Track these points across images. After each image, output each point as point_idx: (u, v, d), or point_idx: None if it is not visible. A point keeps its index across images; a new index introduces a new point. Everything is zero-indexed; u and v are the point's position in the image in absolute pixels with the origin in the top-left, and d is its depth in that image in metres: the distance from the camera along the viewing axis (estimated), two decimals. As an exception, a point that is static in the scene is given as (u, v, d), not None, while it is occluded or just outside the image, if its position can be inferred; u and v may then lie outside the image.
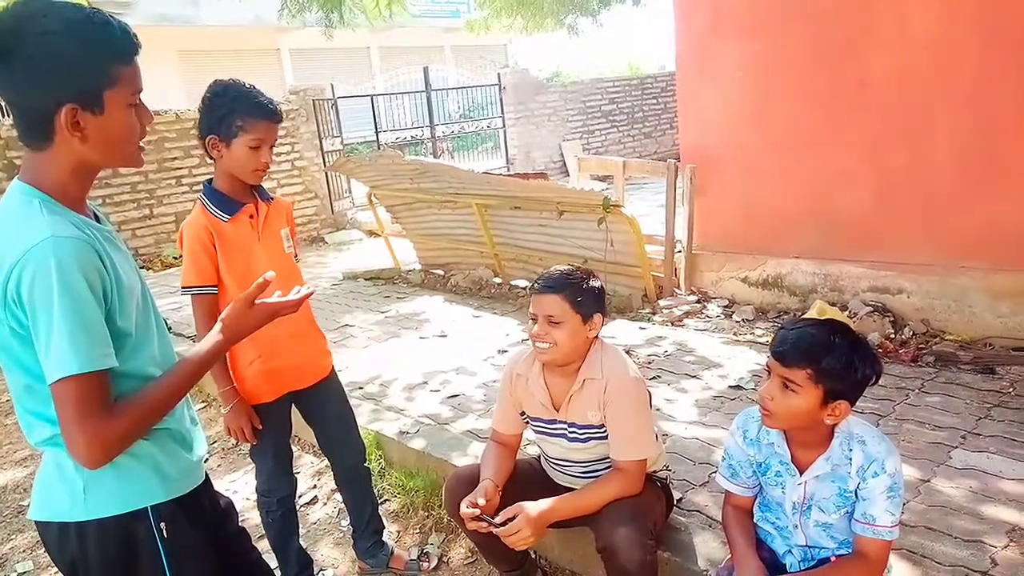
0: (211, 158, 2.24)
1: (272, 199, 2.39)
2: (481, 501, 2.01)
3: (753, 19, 4.74)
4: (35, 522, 1.40)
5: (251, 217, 2.30)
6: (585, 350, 2.10)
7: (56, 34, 1.22)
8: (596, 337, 2.12)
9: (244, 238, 2.27)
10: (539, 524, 1.96)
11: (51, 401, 1.28)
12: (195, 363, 1.40)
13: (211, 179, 2.30)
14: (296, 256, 2.50)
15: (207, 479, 1.58)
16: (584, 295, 2.03)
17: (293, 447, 2.70)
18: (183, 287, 2.26)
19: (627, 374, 2.09)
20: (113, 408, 1.26)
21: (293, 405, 2.52)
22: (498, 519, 1.96)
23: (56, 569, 1.69)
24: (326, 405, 2.56)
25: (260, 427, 2.37)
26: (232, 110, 2.13)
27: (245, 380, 2.36)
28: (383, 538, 2.77)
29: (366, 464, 2.73)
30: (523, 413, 2.26)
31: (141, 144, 1.39)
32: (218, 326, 1.46)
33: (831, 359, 1.66)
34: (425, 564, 2.75)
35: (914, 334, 4.11)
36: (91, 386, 1.22)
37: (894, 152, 4.23)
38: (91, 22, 1.25)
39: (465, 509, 2.00)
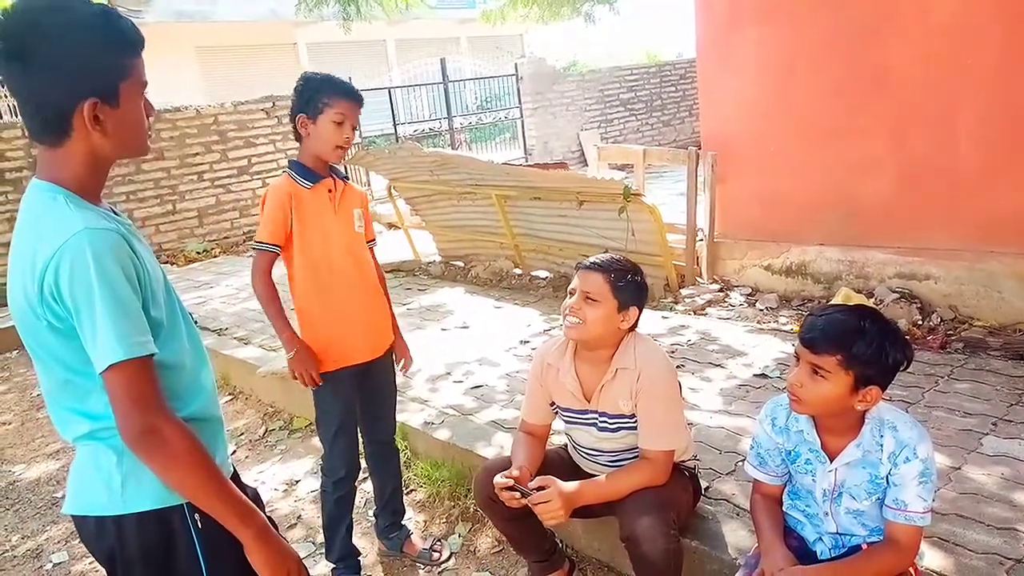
0: (298, 139, 2.39)
1: (347, 180, 2.53)
2: (516, 473, 2.03)
3: (774, 5, 4.68)
4: (72, 516, 1.42)
5: (329, 191, 2.43)
6: (614, 340, 2.10)
7: (74, 29, 1.22)
8: (631, 330, 2.12)
9: (322, 207, 2.42)
10: (568, 500, 1.97)
11: (89, 396, 1.30)
12: (218, 490, 1.32)
13: (295, 158, 2.45)
14: (372, 240, 2.62)
15: (235, 471, 1.61)
16: (627, 283, 2.05)
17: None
18: (256, 240, 2.43)
19: (661, 364, 2.09)
20: (169, 410, 1.28)
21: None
22: (532, 484, 1.98)
23: (91, 560, 1.72)
24: (376, 380, 2.63)
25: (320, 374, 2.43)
26: (319, 90, 2.32)
27: (312, 344, 2.45)
28: (402, 522, 2.82)
29: (395, 443, 2.79)
30: (553, 403, 2.27)
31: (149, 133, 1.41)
32: (253, 527, 1.35)
33: (861, 345, 1.64)
34: (436, 555, 2.78)
35: (942, 320, 4.06)
36: (139, 372, 1.24)
37: (918, 137, 4.16)
38: (106, 15, 1.27)
39: (499, 478, 2.01)
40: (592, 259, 2.11)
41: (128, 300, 1.24)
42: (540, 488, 1.98)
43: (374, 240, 2.64)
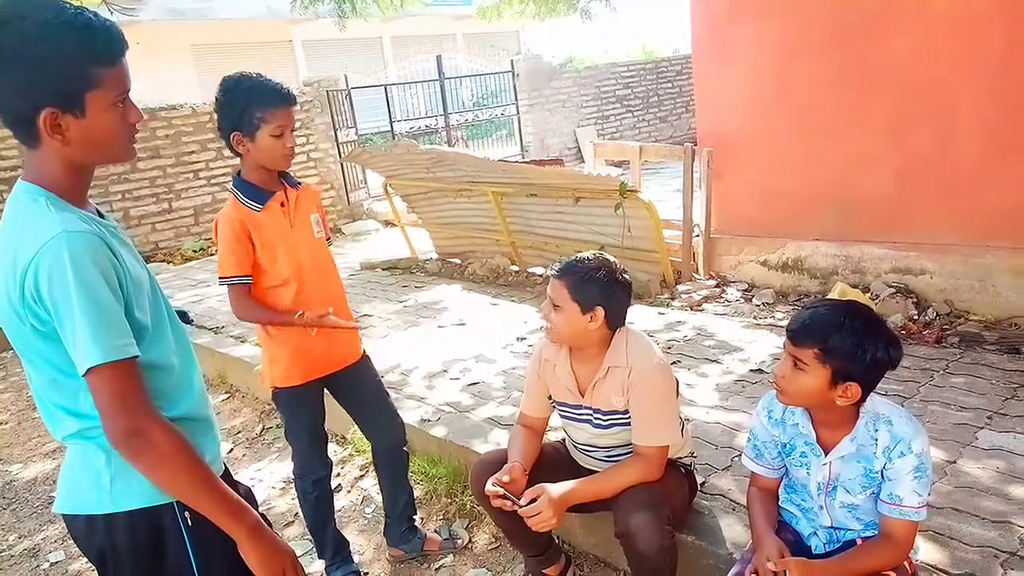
0: (237, 154, 2.27)
1: (299, 185, 2.43)
2: (506, 479, 2.04)
3: (770, -1, 4.68)
4: (62, 515, 1.42)
5: (282, 205, 2.34)
6: (595, 339, 2.10)
7: (33, 38, 1.19)
8: (620, 327, 2.11)
9: (278, 226, 2.32)
10: (560, 506, 1.98)
11: (78, 395, 1.29)
12: (208, 489, 1.32)
13: (239, 171, 2.33)
14: (329, 240, 2.54)
15: (226, 469, 1.61)
16: (584, 286, 2.02)
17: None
18: (221, 277, 2.30)
19: (652, 360, 2.09)
20: (155, 411, 1.27)
21: (326, 391, 2.57)
22: (522, 500, 1.98)
23: (86, 559, 1.72)
24: (359, 388, 2.60)
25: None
26: (249, 103, 2.17)
27: (277, 361, 2.42)
28: (415, 523, 2.81)
29: (406, 448, 2.74)
30: (550, 397, 2.28)
31: (135, 136, 1.37)
32: (245, 525, 1.35)
33: (838, 339, 1.64)
34: (459, 541, 2.80)
35: (938, 315, 4.06)
36: (120, 375, 1.23)
37: (916, 132, 4.17)
38: (70, 25, 1.21)
39: (490, 486, 2.02)
40: (559, 264, 2.12)
41: (107, 303, 1.23)
42: (531, 500, 1.98)
43: (329, 239, 2.55)
